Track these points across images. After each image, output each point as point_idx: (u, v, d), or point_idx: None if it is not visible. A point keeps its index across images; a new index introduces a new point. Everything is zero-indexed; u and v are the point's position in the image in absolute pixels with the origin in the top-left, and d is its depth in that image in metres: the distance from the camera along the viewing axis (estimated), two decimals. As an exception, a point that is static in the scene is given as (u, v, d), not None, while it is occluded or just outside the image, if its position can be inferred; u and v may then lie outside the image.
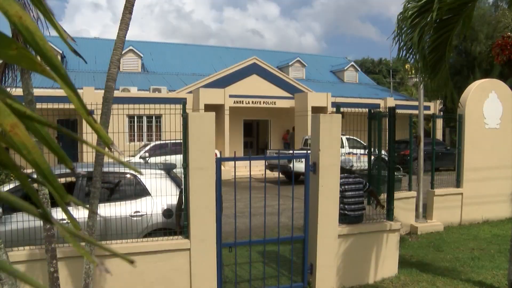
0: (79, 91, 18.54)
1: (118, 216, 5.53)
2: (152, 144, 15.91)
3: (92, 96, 17.60)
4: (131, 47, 24.87)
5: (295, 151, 15.31)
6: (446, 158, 19.87)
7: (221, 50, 31.73)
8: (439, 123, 23.65)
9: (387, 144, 6.64)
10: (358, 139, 16.85)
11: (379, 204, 6.44)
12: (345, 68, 31.35)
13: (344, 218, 5.99)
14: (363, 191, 6.24)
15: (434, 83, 5.19)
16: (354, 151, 17.09)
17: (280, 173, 17.74)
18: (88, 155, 5.90)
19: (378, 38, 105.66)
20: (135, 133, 19.31)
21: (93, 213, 4.27)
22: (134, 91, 19.98)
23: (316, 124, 5.62)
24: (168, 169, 6.32)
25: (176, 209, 5.66)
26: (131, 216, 5.69)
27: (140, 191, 5.94)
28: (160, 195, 5.88)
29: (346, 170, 6.31)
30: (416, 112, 9.89)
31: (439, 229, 8.95)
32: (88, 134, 4.48)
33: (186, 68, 27.49)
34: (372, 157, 7.79)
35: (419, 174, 9.26)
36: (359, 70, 33.25)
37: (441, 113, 24.28)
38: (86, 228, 4.27)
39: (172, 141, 15.07)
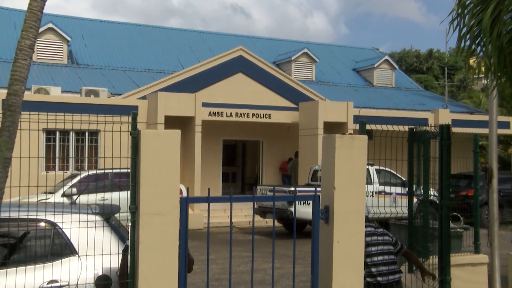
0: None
1: (22, 288, 5.39)
2: (83, 175, 15.89)
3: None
4: (51, 25, 24.78)
5: (298, 189, 15.44)
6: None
7: (190, 35, 32.09)
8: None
9: (438, 180, 6.61)
10: (393, 172, 16.98)
11: (426, 272, 6.42)
12: (376, 65, 31.86)
13: None
14: (394, 253, 6.22)
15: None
16: (387, 189, 17.29)
17: (276, 221, 17.62)
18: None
19: (426, 19, 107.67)
20: (57, 158, 19.14)
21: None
22: (56, 93, 19.91)
23: (330, 149, 5.67)
24: (107, 213, 6.25)
25: (118, 276, 5.55)
26: (44, 288, 5.57)
27: (61, 248, 5.85)
28: (93, 254, 5.78)
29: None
30: (485, 131, 9.94)
31: (535, 320, 8.73)
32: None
33: (137, 61, 27.66)
34: (415, 200, 7.84)
35: (492, 227, 9.19)
36: (397, 67, 33.75)
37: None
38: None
39: (114, 171, 15.00)
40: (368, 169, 16.03)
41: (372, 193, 16.43)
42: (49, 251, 5.83)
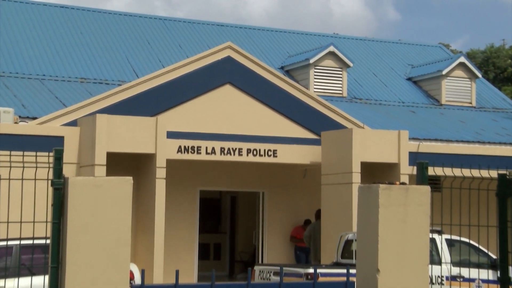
0: None
1: None
2: (-28, 248, 15.71)
3: None
4: None
5: (321, 270, 15.49)
6: None
7: (148, 25, 32.52)
8: None
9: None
10: (475, 245, 17.02)
11: None
12: (445, 72, 32.16)
13: None
14: None
15: None
16: (466, 273, 17.16)
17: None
18: None
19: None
20: None
21: None
22: None
23: (371, 208, 5.81)
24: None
25: None
26: None
27: None
28: None
29: None
30: None
31: None
32: None
33: (63, 65, 27.90)
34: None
35: None
36: (480, 75, 33.92)
37: None
38: None
39: (22, 243, 14.84)
40: (433, 240, 15.89)
41: (441, 279, 16.21)
42: None
